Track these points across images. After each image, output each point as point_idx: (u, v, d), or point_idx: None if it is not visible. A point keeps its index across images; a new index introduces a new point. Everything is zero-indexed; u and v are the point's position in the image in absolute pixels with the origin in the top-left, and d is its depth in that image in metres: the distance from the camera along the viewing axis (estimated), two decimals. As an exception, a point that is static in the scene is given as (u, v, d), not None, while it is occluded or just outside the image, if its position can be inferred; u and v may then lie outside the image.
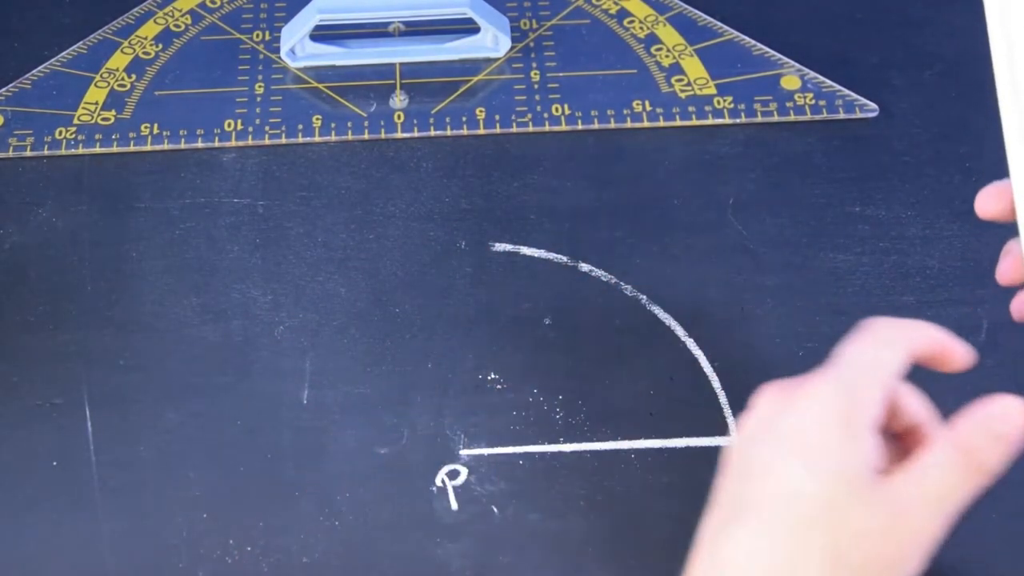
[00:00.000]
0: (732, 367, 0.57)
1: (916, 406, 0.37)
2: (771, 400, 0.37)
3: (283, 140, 0.67)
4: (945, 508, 0.34)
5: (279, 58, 0.70)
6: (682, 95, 0.68)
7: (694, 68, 0.70)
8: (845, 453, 0.34)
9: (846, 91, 0.68)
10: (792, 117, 0.67)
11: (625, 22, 0.72)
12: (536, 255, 0.62)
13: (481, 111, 0.68)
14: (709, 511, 0.37)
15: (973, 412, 0.35)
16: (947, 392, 0.57)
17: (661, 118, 0.67)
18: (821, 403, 0.35)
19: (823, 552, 0.33)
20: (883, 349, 0.36)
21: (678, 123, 0.67)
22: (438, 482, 0.54)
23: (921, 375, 0.55)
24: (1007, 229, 0.62)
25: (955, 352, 0.38)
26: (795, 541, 0.33)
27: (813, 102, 0.67)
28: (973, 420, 0.35)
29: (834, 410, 0.34)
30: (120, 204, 0.64)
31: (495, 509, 0.53)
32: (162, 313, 0.59)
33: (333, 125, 0.67)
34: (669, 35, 0.71)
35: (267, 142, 0.67)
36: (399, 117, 0.68)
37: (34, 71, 0.70)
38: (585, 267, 0.61)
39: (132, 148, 0.66)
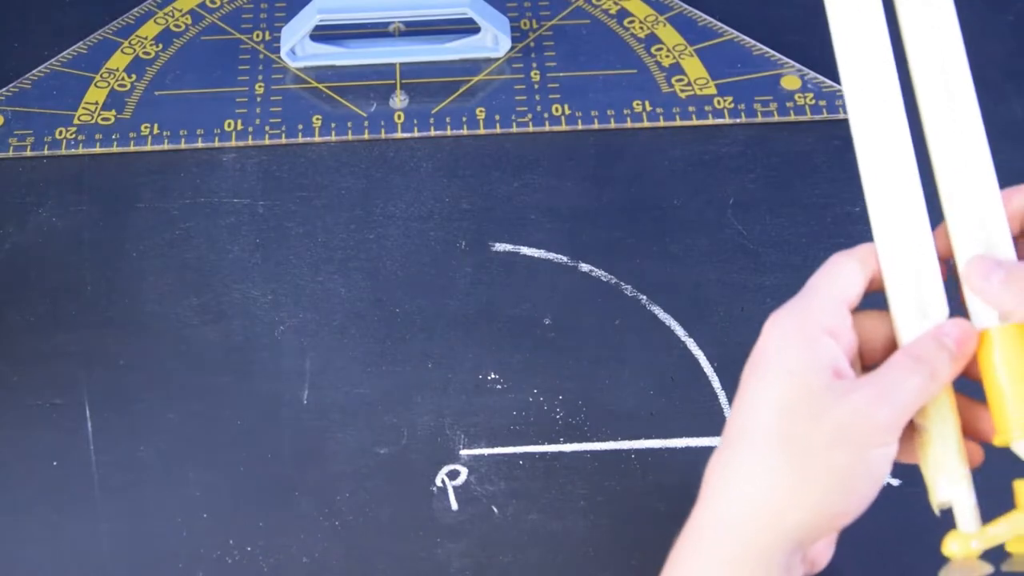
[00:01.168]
0: (732, 367, 0.57)
1: (881, 331, 0.40)
2: (765, 331, 0.40)
3: (283, 140, 0.67)
4: (897, 405, 0.36)
5: (279, 58, 0.71)
6: (682, 95, 0.68)
7: (694, 68, 0.70)
8: (802, 359, 0.37)
9: (846, 91, 0.67)
10: (792, 117, 0.67)
11: (625, 22, 0.72)
12: (536, 255, 0.62)
13: (481, 111, 0.68)
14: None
15: (929, 330, 0.38)
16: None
17: (661, 118, 0.67)
18: (781, 326, 0.38)
19: (804, 456, 0.36)
20: (836, 268, 0.39)
21: (678, 123, 0.67)
22: (438, 482, 0.54)
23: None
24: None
25: None
26: (778, 451, 0.37)
27: (813, 102, 0.67)
28: (926, 335, 0.38)
29: (791, 324, 0.38)
30: (120, 204, 0.64)
31: (495, 509, 0.53)
32: (162, 313, 0.59)
33: (333, 125, 0.67)
34: (669, 35, 0.71)
35: (267, 142, 0.67)
36: (399, 117, 0.68)
37: (34, 71, 0.70)
38: (585, 267, 0.61)
39: (132, 148, 0.66)
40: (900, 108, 0.41)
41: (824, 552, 0.42)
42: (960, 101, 0.41)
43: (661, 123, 0.67)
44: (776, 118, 0.66)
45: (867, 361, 0.40)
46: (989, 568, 0.38)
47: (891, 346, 0.39)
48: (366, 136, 0.67)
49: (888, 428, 0.36)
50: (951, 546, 0.37)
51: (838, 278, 0.39)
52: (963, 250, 0.39)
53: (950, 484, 0.38)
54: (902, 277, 0.39)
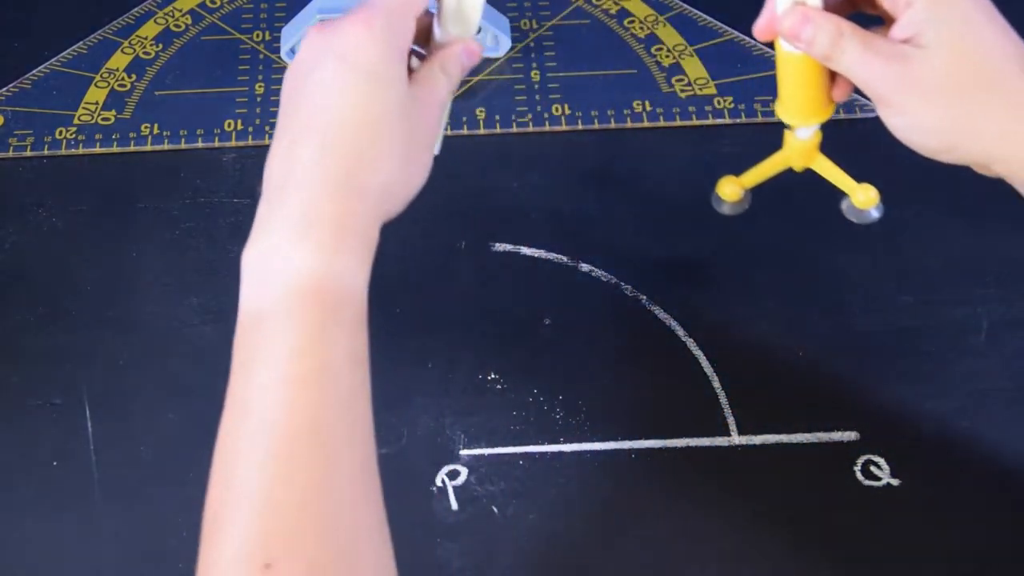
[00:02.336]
0: (732, 367, 0.57)
1: (425, 28, 0.47)
2: (324, 32, 0.44)
3: (283, 140, 0.67)
4: (440, 104, 0.45)
5: (279, 58, 0.70)
6: (682, 95, 0.68)
7: (694, 68, 0.70)
8: (392, 72, 0.43)
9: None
10: (792, 117, 0.67)
11: (625, 22, 0.72)
12: (536, 255, 0.62)
13: (481, 111, 0.68)
14: (278, 135, 0.44)
15: (452, 46, 0.46)
16: (950, 392, 0.57)
17: (661, 118, 0.67)
18: (372, 34, 0.43)
19: (381, 142, 0.43)
20: None
21: (678, 123, 0.67)
22: (438, 482, 0.54)
23: (928, 367, 0.56)
24: (1007, 229, 0.62)
25: None
26: (361, 137, 0.42)
27: (813, 102, 0.67)
28: (449, 50, 0.46)
29: (382, 34, 0.43)
30: (120, 204, 0.64)
31: (495, 509, 0.53)
32: (162, 313, 0.59)
33: (333, 125, 0.67)
34: (669, 35, 0.71)
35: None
36: (399, 117, 0.68)
37: (34, 71, 0.70)
38: (585, 267, 0.61)
39: (132, 148, 0.66)
40: None
41: None
42: None
43: (661, 123, 0.67)
44: (776, 118, 0.66)
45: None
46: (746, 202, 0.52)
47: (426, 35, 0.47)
48: (366, 136, 0.67)
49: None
50: (724, 187, 0.52)
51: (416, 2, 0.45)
52: None
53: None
54: None
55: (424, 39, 0.47)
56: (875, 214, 0.52)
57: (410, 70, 0.45)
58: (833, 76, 0.47)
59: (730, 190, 0.52)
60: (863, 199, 0.51)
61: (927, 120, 0.43)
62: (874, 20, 0.45)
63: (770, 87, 0.68)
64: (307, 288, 0.41)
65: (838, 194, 0.51)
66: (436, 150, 0.49)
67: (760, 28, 0.46)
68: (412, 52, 0.46)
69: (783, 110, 0.49)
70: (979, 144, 0.42)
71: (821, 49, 0.44)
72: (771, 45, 0.46)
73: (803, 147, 0.50)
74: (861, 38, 0.43)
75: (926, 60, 0.42)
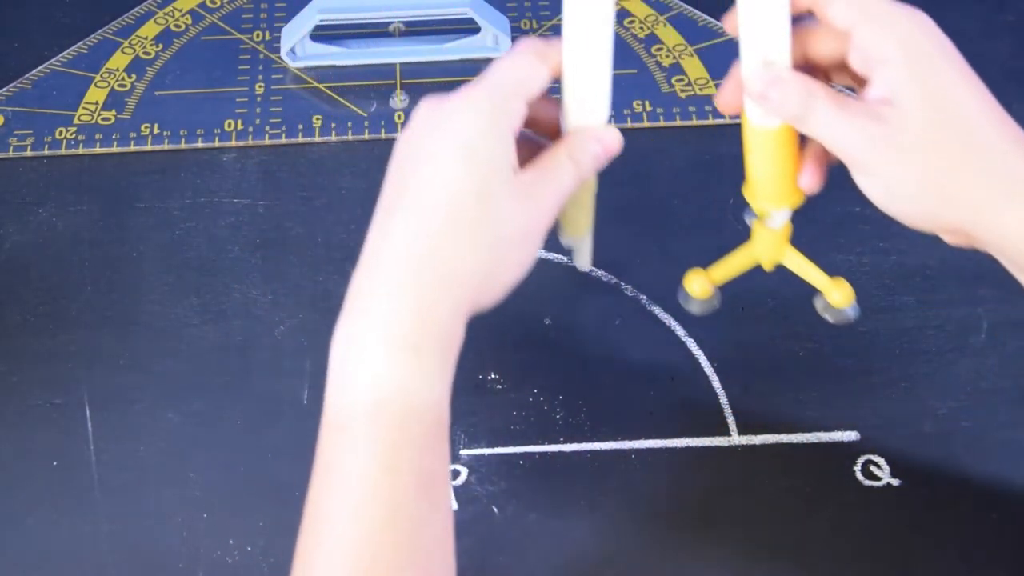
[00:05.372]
0: (732, 367, 0.57)
1: (551, 115, 0.45)
2: (432, 106, 0.43)
3: (283, 140, 0.67)
4: (559, 194, 0.43)
5: (279, 58, 0.71)
6: (682, 95, 0.68)
7: (694, 68, 0.70)
8: (494, 152, 0.41)
9: (846, 91, 0.67)
10: (792, 117, 0.67)
11: (625, 22, 0.72)
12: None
13: (481, 111, 0.68)
14: (380, 203, 0.43)
15: (580, 131, 0.44)
16: (950, 392, 0.57)
17: (661, 118, 0.67)
18: (476, 110, 0.41)
19: (473, 227, 0.41)
20: (527, 60, 0.43)
21: (678, 123, 0.67)
22: (438, 482, 0.54)
23: (928, 367, 0.56)
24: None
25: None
26: (451, 218, 0.41)
27: (813, 102, 0.67)
28: (579, 135, 0.44)
29: (487, 114, 0.41)
30: (120, 204, 0.64)
31: (495, 509, 0.53)
32: (162, 313, 0.59)
33: (333, 125, 0.67)
34: (669, 35, 0.71)
35: (267, 142, 0.67)
36: (399, 117, 0.68)
37: (34, 71, 0.70)
38: (585, 267, 0.61)
39: (132, 148, 0.66)
40: None
41: None
42: None
43: (661, 123, 0.67)
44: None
45: (530, 126, 0.45)
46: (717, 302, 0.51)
47: (556, 126, 0.45)
48: (366, 136, 0.67)
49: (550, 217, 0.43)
50: (692, 284, 0.51)
51: (530, 82, 0.43)
52: (748, 58, 0.43)
53: (575, 233, 0.49)
54: (577, 75, 0.43)
55: (553, 126, 0.45)
56: (851, 313, 0.50)
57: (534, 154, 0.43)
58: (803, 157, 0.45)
59: (699, 286, 0.51)
60: (838, 298, 0.49)
61: (905, 182, 0.41)
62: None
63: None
64: (382, 401, 0.40)
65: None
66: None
67: (724, 99, 0.44)
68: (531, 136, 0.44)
69: (751, 193, 0.47)
70: (958, 209, 0.41)
71: (791, 110, 0.42)
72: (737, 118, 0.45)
73: (773, 238, 0.49)
74: (834, 97, 0.41)
75: (903, 118, 0.40)
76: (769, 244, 0.49)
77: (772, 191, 0.46)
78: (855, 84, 0.44)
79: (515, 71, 0.43)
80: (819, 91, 0.42)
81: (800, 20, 0.43)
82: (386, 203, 0.42)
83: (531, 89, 0.43)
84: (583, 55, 0.43)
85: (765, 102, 0.42)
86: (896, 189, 0.42)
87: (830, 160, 0.45)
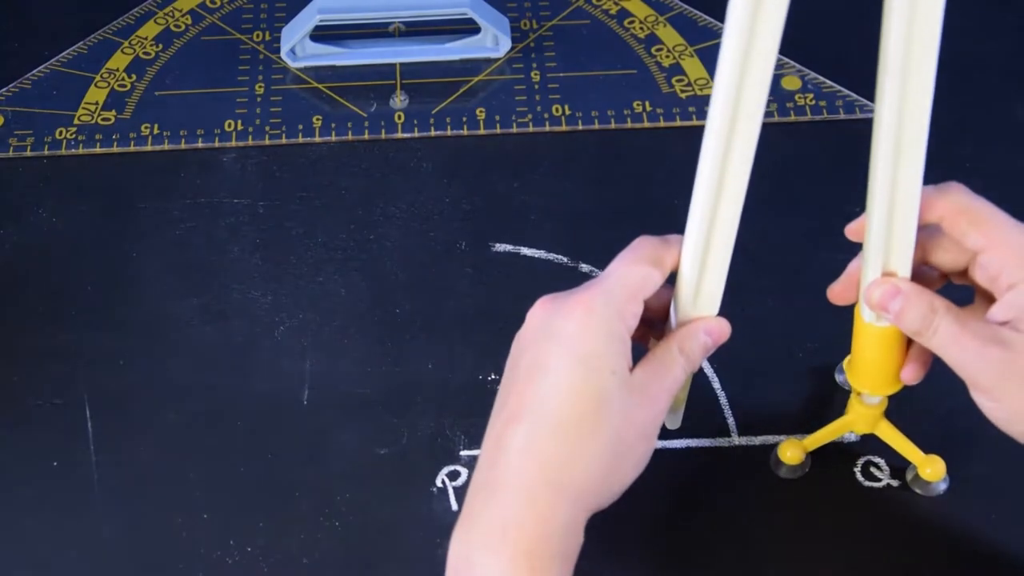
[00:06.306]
0: (732, 367, 0.57)
1: (662, 301, 0.45)
2: (547, 309, 0.42)
3: (283, 140, 0.67)
4: (672, 389, 0.43)
5: (279, 58, 0.71)
6: (682, 95, 0.68)
7: (694, 68, 0.70)
8: (611, 359, 0.41)
9: (846, 91, 0.68)
10: (792, 117, 0.67)
11: (625, 22, 0.72)
12: (536, 255, 0.62)
13: (481, 111, 0.68)
14: (496, 410, 0.43)
15: (691, 324, 0.44)
16: (950, 392, 0.57)
17: (661, 118, 0.67)
18: (594, 314, 0.41)
19: (591, 435, 0.40)
20: (644, 268, 0.43)
21: (678, 123, 0.67)
22: (438, 483, 0.54)
23: (928, 382, 0.56)
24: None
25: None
26: (571, 428, 0.40)
27: (813, 102, 0.67)
28: (689, 329, 0.44)
29: (604, 320, 0.41)
30: (120, 204, 0.64)
31: (495, 509, 0.53)
32: (162, 313, 0.59)
33: (333, 125, 0.67)
34: (669, 35, 0.71)
35: (267, 142, 0.67)
36: (399, 117, 0.68)
37: (34, 71, 0.70)
38: (585, 267, 0.61)
39: (132, 148, 0.66)
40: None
41: None
42: (909, 142, 0.41)
43: (661, 123, 0.67)
44: (776, 118, 0.66)
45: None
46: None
47: (665, 310, 0.45)
48: (366, 136, 0.67)
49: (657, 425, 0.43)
50: (786, 452, 0.52)
51: (646, 283, 0.43)
52: (871, 266, 0.44)
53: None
54: (694, 271, 0.44)
55: (662, 316, 0.45)
56: (942, 487, 0.52)
57: (646, 349, 0.44)
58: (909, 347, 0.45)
59: (792, 454, 0.52)
60: (931, 472, 0.51)
61: None
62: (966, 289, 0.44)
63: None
64: None
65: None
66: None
67: (837, 293, 0.45)
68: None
69: (855, 378, 0.48)
70: None
71: (911, 325, 0.42)
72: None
73: (869, 413, 0.50)
74: (956, 317, 0.41)
75: None
76: (864, 418, 0.50)
77: (874, 380, 0.47)
78: (971, 285, 0.44)
79: (632, 276, 0.42)
80: (941, 308, 0.41)
81: (925, 228, 0.43)
82: (504, 412, 0.42)
83: (647, 292, 0.43)
84: (705, 255, 0.43)
85: (884, 312, 0.43)
86: (1019, 414, 0.41)
87: (935, 356, 0.45)
